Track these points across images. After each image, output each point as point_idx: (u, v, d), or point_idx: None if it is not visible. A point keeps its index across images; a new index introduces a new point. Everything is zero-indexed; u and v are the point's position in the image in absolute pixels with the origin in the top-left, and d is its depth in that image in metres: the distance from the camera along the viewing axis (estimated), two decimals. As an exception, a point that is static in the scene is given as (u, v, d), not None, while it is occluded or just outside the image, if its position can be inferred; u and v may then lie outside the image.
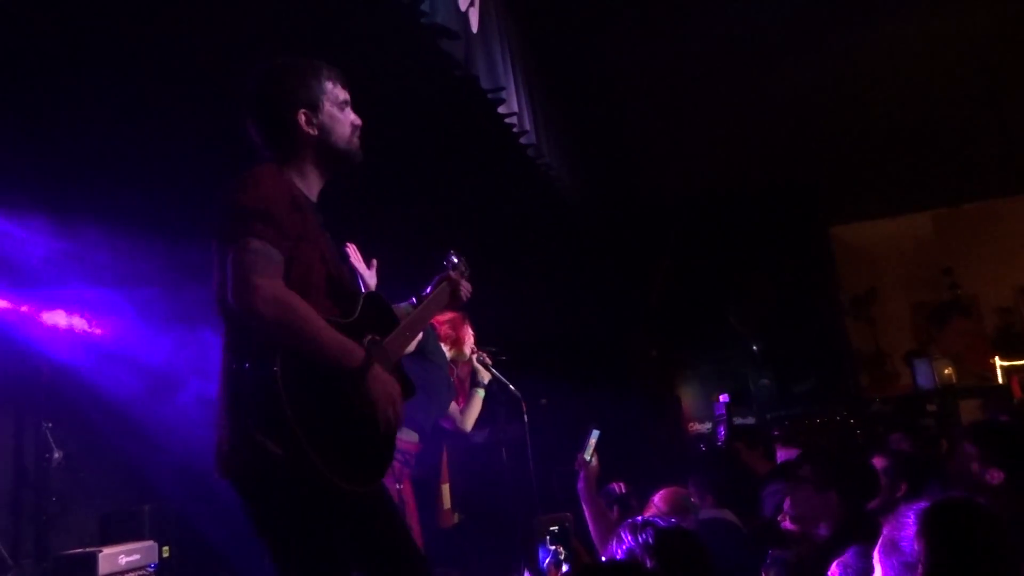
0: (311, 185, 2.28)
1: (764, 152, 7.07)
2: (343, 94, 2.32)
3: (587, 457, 3.55)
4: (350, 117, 2.32)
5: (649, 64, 5.41)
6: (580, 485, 3.51)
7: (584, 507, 3.49)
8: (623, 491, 4.23)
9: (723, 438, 6.63)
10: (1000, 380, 7.97)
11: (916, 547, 1.72)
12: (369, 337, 2.18)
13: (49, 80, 4.03)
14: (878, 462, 4.29)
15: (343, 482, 2.00)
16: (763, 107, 6.18)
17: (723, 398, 7.05)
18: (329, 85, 2.28)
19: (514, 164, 4.95)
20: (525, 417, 4.46)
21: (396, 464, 3.53)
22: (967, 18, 5.28)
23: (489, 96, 3.80)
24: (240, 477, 2.05)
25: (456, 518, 5.59)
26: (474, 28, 3.57)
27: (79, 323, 5.59)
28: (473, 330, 4.26)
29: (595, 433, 3.59)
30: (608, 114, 6.14)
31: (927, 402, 7.42)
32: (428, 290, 2.67)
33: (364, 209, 2.48)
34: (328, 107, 2.27)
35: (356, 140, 2.33)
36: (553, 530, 1.71)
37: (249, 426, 1.98)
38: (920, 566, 1.69)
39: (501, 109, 3.94)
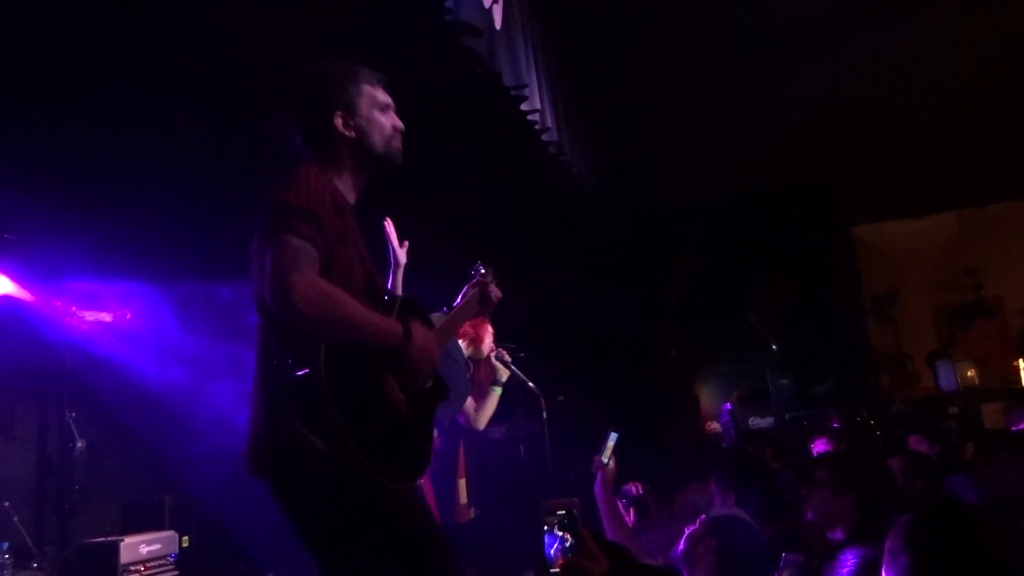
0: (349, 188, 2.29)
1: (787, 151, 7.02)
2: (384, 97, 2.33)
3: (605, 460, 3.52)
4: (391, 120, 2.33)
5: (672, 62, 5.38)
6: (597, 488, 3.49)
7: (600, 509, 3.47)
8: (640, 492, 4.22)
9: (730, 443, 6.62)
10: (1024, 383, 7.89)
11: (903, 557, 1.71)
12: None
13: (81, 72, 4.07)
14: (895, 462, 4.27)
15: (387, 479, 2.01)
16: (787, 106, 6.13)
17: (726, 406, 7.06)
18: (368, 88, 2.30)
19: (535, 162, 4.95)
20: (544, 414, 4.47)
21: None
22: (993, 19, 5.21)
23: (512, 93, 3.80)
24: (278, 475, 2.05)
25: (472, 513, 5.61)
26: (498, 25, 3.57)
27: (105, 315, 5.66)
28: (493, 329, 4.26)
29: (613, 436, 3.57)
30: (629, 112, 6.12)
31: (949, 404, 7.35)
32: (459, 301, 2.80)
33: (387, 207, 2.48)
34: (366, 110, 2.28)
35: (397, 143, 2.34)
36: (560, 515, 1.68)
37: (292, 423, 1.97)
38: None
39: (524, 106, 3.94)
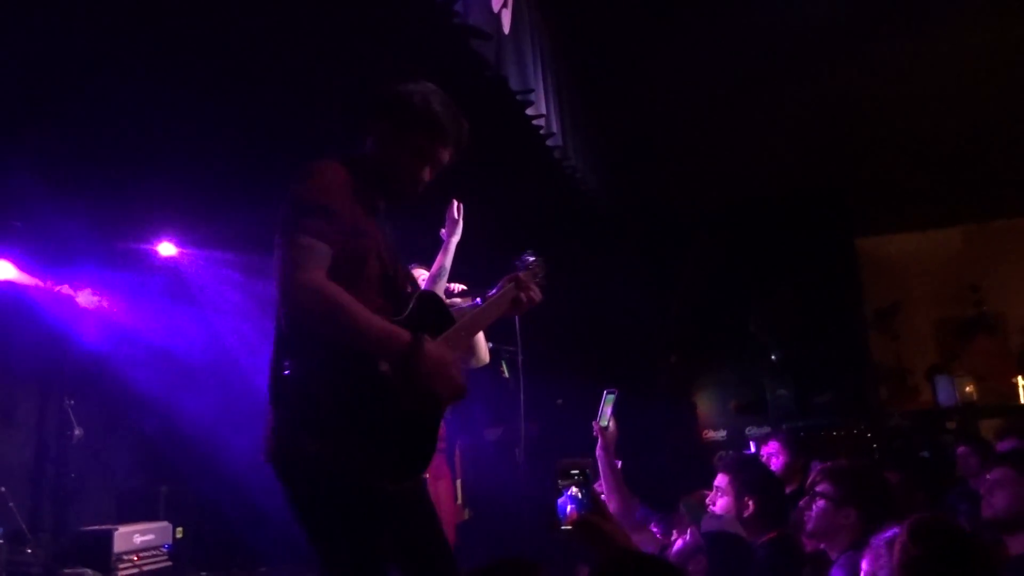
0: (376, 192, 2.29)
1: (792, 161, 7.01)
2: (440, 155, 2.32)
3: (604, 423, 3.40)
4: (424, 171, 2.31)
5: (678, 71, 5.37)
6: (598, 451, 3.38)
7: (601, 473, 3.37)
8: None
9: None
10: (1023, 400, 7.86)
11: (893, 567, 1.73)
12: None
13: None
14: (892, 475, 4.26)
15: (382, 480, 2.04)
16: (793, 116, 6.12)
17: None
18: (434, 145, 2.29)
19: (540, 167, 4.94)
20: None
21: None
22: (1004, 35, 5.20)
23: (518, 97, 3.81)
24: (280, 468, 2.10)
25: (466, 514, 5.62)
26: (506, 29, 3.57)
27: (106, 304, 5.67)
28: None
29: (610, 397, 3.42)
30: (635, 120, 6.11)
31: (947, 419, 7.34)
32: (494, 291, 2.56)
33: (388, 212, 2.46)
34: (417, 156, 2.28)
35: (412, 191, 2.33)
36: (575, 474, 1.70)
37: (288, 420, 2.03)
38: None
39: (530, 111, 3.95)
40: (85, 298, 5.48)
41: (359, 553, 2.09)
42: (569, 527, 1.64)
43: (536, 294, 2.56)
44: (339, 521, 2.07)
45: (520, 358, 4.41)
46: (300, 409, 2.00)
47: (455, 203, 3.37)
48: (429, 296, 2.33)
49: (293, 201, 2.09)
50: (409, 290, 2.32)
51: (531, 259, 2.71)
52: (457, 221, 3.35)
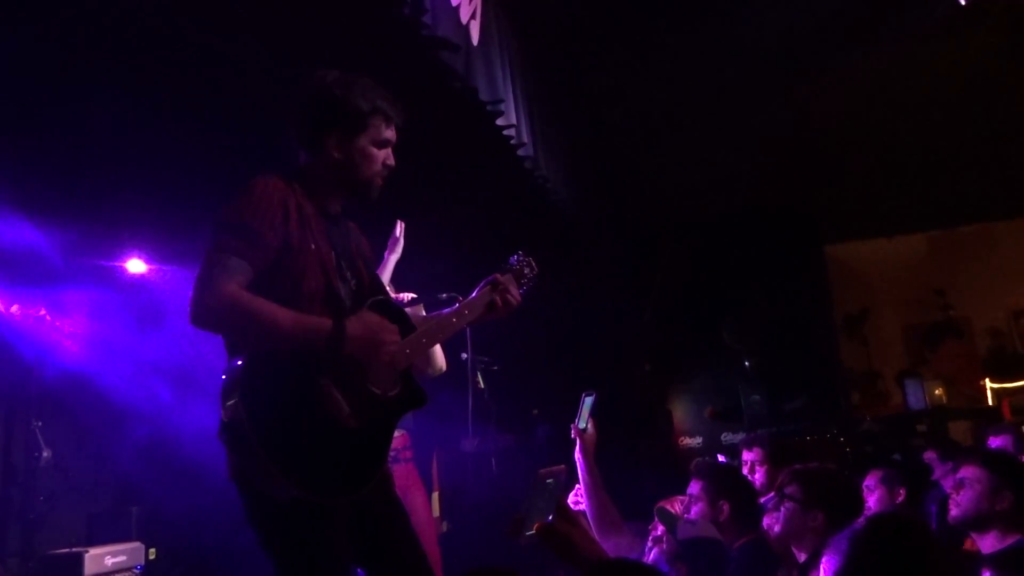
0: (327, 199, 2.28)
1: (761, 171, 7.10)
2: (388, 134, 2.28)
3: (582, 425, 3.31)
4: (382, 156, 2.27)
5: (648, 83, 5.44)
6: (577, 455, 3.31)
7: (580, 478, 3.32)
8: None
9: None
10: (991, 402, 7.99)
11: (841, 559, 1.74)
12: None
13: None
14: (874, 475, 4.29)
15: (319, 496, 2.01)
16: (761, 127, 6.21)
17: None
18: (377, 122, 2.25)
19: (511, 177, 4.97)
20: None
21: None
22: (966, 44, 5.33)
23: (488, 108, 3.83)
24: (235, 484, 2.09)
25: (444, 527, 5.59)
26: (475, 41, 3.60)
27: (70, 323, 5.59)
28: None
29: (588, 400, 3.34)
30: (605, 130, 6.17)
31: (917, 422, 7.43)
32: (473, 294, 2.46)
33: (362, 222, 2.45)
34: (364, 141, 2.24)
35: (379, 181, 2.30)
36: (549, 483, 1.70)
37: (222, 434, 2.03)
38: None
39: (500, 121, 3.98)
40: (49, 317, 5.39)
41: (309, 567, 2.05)
42: (533, 533, 1.64)
43: (515, 297, 2.45)
44: (285, 537, 2.05)
45: (468, 360, 4.39)
46: (231, 424, 1.98)
47: (399, 224, 3.59)
48: (383, 303, 2.27)
49: (216, 220, 2.10)
50: (366, 297, 2.25)
51: (518, 259, 2.57)
52: (398, 240, 3.58)
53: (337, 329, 2.03)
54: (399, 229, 3.61)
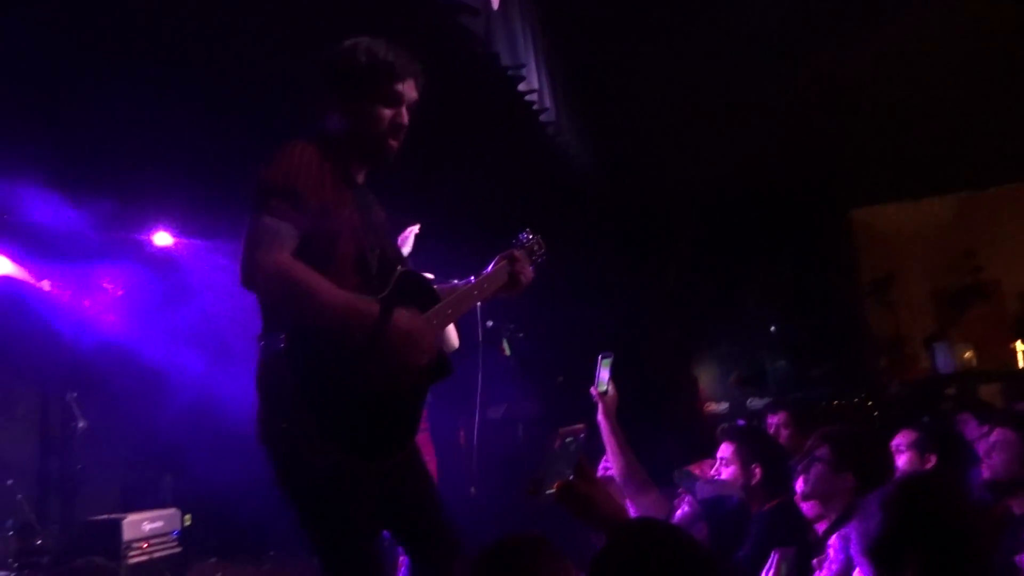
0: (349, 167, 2.27)
1: (786, 135, 7.00)
2: (398, 88, 2.23)
3: (602, 388, 3.29)
4: (390, 115, 2.24)
5: (670, 53, 5.36)
6: (599, 417, 3.30)
7: (605, 440, 3.32)
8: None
9: None
10: (1021, 365, 7.90)
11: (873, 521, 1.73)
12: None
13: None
14: (904, 436, 4.25)
15: (361, 459, 2.06)
16: (785, 90, 6.11)
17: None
18: (376, 77, 2.22)
19: (533, 144, 4.94)
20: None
21: None
22: (995, 6, 5.20)
23: (509, 73, 3.81)
24: (267, 449, 2.11)
25: (472, 491, 5.65)
26: (495, 5, 3.57)
27: (102, 296, 5.68)
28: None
29: (605, 360, 3.28)
30: (627, 96, 6.10)
31: (945, 386, 7.37)
32: (489, 268, 2.47)
33: (382, 192, 2.44)
34: (366, 99, 2.22)
35: (392, 141, 2.26)
36: (568, 441, 1.72)
37: (263, 400, 2.06)
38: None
39: (522, 86, 3.95)
40: (84, 289, 5.48)
41: (344, 531, 2.09)
42: (552, 492, 1.65)
43: (529, 273, 2.47)
44: (318, 502, 2.08)
45: (480, 331, 4.38)
46: (273, 389, 2.01)
47: (415, 226, 3.28)
48: (411, 274, 2.30)
49: (259, 184, 2.09)
50: (399, 269, 2.27)
51: (528, 237, 2.59)
52: (407, 239, 3.24)
53: (384, 315, 2.05)
54: (412, 231, 3.32)
